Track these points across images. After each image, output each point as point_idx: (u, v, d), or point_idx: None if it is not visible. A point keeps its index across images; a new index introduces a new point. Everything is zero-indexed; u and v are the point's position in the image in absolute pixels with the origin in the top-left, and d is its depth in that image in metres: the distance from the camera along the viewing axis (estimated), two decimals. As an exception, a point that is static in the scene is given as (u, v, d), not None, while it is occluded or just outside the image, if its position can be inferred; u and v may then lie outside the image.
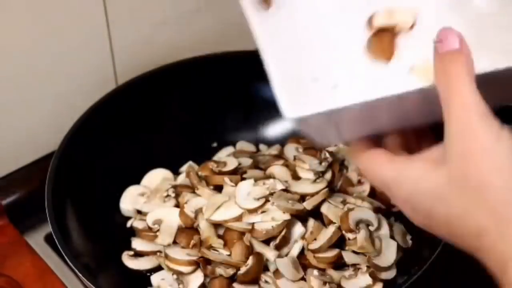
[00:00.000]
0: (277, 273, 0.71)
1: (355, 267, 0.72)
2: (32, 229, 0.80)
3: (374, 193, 0.79)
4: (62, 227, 0.70)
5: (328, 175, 0.79)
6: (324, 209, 0.76)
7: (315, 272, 0.71)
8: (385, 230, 0.74)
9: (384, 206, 0.77)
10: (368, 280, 0.70)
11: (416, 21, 0.59)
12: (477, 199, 0.45)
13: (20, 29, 0.73)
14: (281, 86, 0.51)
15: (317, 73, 0.55)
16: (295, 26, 0.58)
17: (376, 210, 0.76)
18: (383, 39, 0.58)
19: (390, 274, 0.72)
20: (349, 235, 0.73)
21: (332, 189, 0.78)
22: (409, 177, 0.49)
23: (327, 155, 0.80)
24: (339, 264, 0.73)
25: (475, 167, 0.45)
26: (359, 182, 0.79)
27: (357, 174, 0.80)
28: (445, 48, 0.48)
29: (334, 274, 0.72)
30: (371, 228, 0.74)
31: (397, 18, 0.59)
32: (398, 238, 0.74)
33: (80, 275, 0.65)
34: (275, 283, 0.70)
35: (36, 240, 0.80)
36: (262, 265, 0.71)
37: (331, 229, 0.74)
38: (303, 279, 0.71)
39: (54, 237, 0.68)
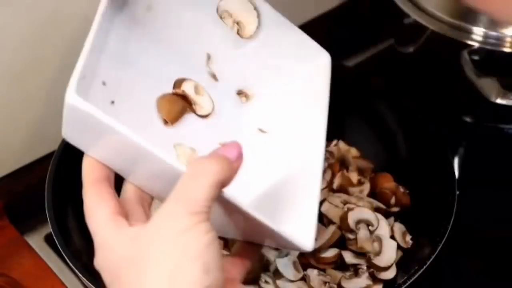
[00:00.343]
0: (277, 273, 0.71)
1: (355, 267, 0.72)
2: (32, 229, 0.80)
3: (374, 193, 0.79)
4: (62, 227, 0.70)
5: (328, 175, 0.79)
6: (324, 209, 0.76)
7: (315, 272, 0.71)
8: (385, 230, 0.74)
9: (384, 206, 0.77)
10: (368, 280, 0.71)
11: (211, 115, 0.60)
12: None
13: (21, 29, 0.73)
14: (81, 68, 0.48)
15: (109, 81, 0.53)
16: (135, 29, 0.57)
17: (376, 210, 0.76)
18: (176, 104, 0.58)
19: (390, 274, 0.71)
20: (349, 235, 0.73)
21: (332, 189, 0.78)
22: (112, 246, 0.47)
23: (327, 155, 0.80)
24: (339, 264, 0.73)
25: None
26: (359, 182, 0.79)
27: (357, 174, 0.80)
28: (221, 151, 0.48)
29: (334, 274, 0.72)
30: (371, 228, 0.74)
31: (201, 99, 0.59)
32: (398, 238, 0.74)
33: (80, 275, 0.65)
34: (275, 283, 0.70)
35: (36, 240, 0.80)
36: (262, 265, 0.71)
37: (331, 229, 0.74)
38: (303, 279, 0.71)
39: (54, 237, 0.68)
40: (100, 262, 0.48)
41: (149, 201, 0.53)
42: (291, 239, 0.52)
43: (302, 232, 0.54)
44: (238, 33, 0.62)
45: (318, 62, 0.64)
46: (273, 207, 0.56)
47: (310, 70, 0.64)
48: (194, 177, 0.46)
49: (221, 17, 0.61)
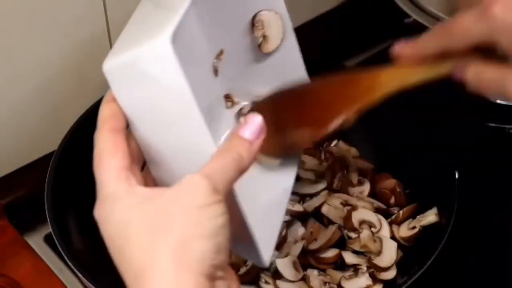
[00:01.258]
0: (277, 273, 0.71)
1: (355, 267, 0.72)
2: (32, 229, 0.80)
3: (374, 193, 0.79)
4: (62, 227, 0.70)
5: (328, 176, 0.79)
6: (324, 209, 0.76)
7: (315, 272, 0.71)
8: (385, 230, 0.74)
9: (384, 206, 0.77)
10: (368, 280, 0.70)
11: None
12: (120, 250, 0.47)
13: (20, 29, 0.73)
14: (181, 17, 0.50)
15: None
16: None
17: (376, 210, 0.76)
18: None
19: (390, 274, 0.71)
20: (352, 234, 0.73)
21: (332, 190, 0.78)
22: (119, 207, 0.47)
23: (327, 155, 0.80)
24: (339, 264, 0.73)
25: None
26: (359, 182, 0.79)
27: (357, 174, 0.80)
28: (240, 131, 0.49)
29: (334, 274, 0.72)
30: (374, 230, 0.73)
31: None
32: (399, 237, 0.74)
33: (80, 275, 0.65)
34: (275, 283, 0.70)
35: (36, 240, 0.79)
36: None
37: (331, 229, 0.74)
38: (303, 279, 0.71)
39: (54, 237, 0.68)
40: (104, 213, 0.47)
41: (142, 164, 0.53)
42: (260, 252, 0.54)
43: (265, 248, 0.56)
44: (259, 45, 0.64)
45: None
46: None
47: None
48: (223, 159, 0.47)
49: (253, 25, 0.63)
